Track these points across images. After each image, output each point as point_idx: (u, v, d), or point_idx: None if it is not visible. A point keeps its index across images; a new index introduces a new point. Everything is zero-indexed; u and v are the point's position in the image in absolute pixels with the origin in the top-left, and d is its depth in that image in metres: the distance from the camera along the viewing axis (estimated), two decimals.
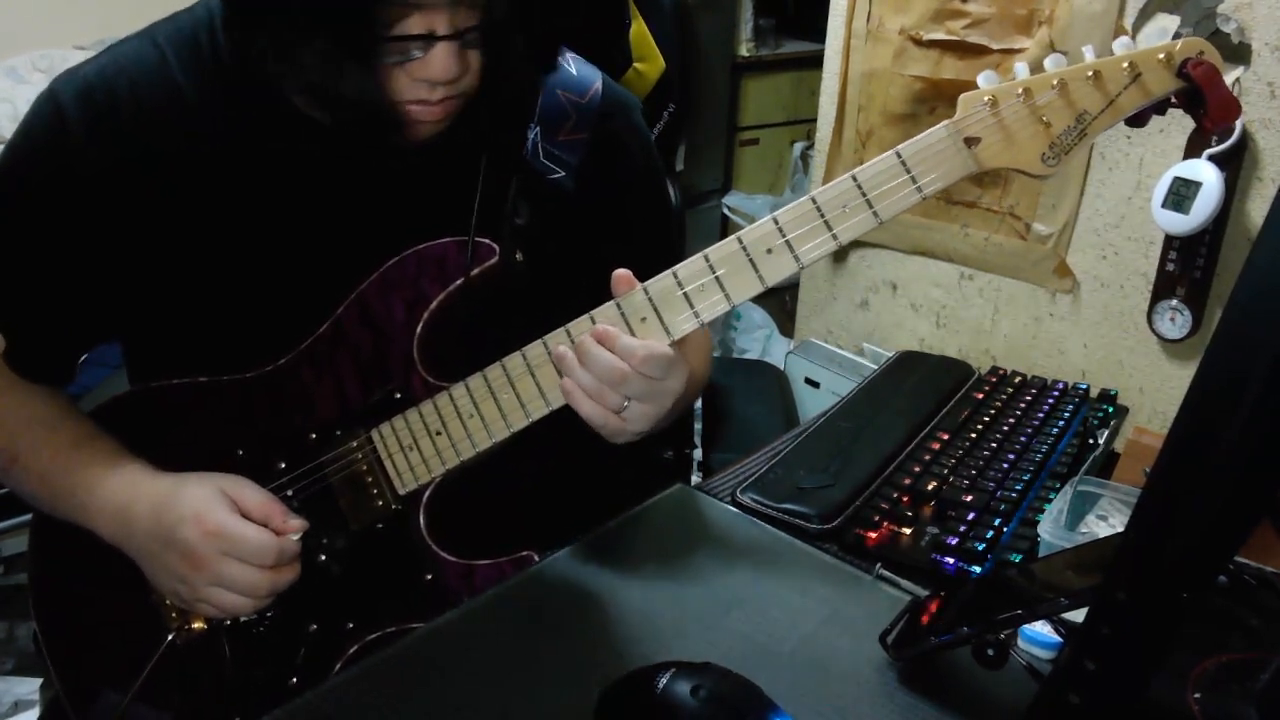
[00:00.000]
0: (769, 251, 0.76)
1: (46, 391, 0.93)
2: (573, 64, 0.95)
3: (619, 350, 0.76)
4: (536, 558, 0.88)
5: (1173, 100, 0.74)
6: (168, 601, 0.90)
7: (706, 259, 0.77)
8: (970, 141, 0.74)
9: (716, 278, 0.77)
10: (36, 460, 0.88)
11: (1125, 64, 0.72)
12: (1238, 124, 1.13)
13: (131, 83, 0.84)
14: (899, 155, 0.74)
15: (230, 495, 0.82)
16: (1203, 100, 0.72)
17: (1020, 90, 0.73)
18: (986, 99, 0.73)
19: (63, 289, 0.89)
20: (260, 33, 0.76)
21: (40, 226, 0.86)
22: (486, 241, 0.85)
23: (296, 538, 0.82)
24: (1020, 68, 0.74)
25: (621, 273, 0.78)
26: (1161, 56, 0.72)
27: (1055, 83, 0.72)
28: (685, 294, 0.77)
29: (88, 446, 0.88)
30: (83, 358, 0.97)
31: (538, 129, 0.91)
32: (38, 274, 0.88)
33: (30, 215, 0.86)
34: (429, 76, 0.75)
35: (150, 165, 0.84)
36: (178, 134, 0.85)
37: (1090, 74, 0.72)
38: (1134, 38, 0.74)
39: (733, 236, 0.77)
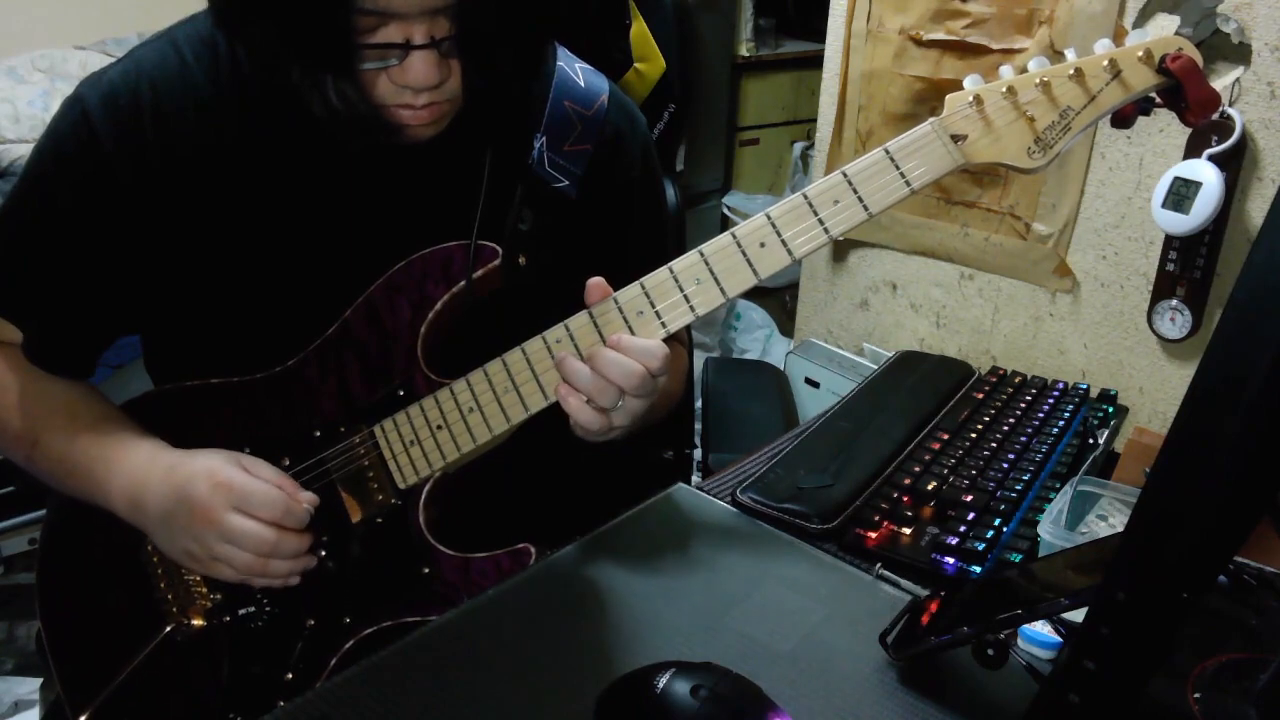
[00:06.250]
0: (762, 245, 0.78)
1: (67, 381, 0.94)
2: (581, 75, 0.96)
3: (636, 354, 0.78)
4: (533, 550, 0.88)
5: (1157, 99, 0.76)
6: (170, 595, 0.90)
7: (701, 254, 0.79)
8: (956, 138, 0.76)
9: (711, 271, 0.79)
10: (56, 443, 0.90)
11: (1105, 62, 0.74)
12: (1237, 124, 1.13)
13: (154, 87, 0.85)
14: (887, 151, 0.76)
15: (243, 462, 0.85)
16: (1183, 94, 0.73)
17: (1004, 88, 0.75)
18: (971, 98, 0.76)
19: (85, 287, 0.90)
20: (247, 43, 0.78)
21: (67, 229, 0.87)
22: (490, 245, 0.86)
23: (307, 508, 0.84)
24: (1005, 69, 0.76)
25: (595, 281, 0.80)
26: (1141, 54, 0.74)
27: (1038, 81, 0.75)
28: (680, 287, 0.79)
29: (105, 427, 0.90)
30: (101, 353, 0.98)
31: (544, 139, 0.92)
32: (62, 272, 0.89)
33: (58, 218, 0.87)
34: (408, 83, 0.76)
35: (172, 168, 0.85)
36: (198, 136, 0.85)
37: (1072, 72, 0.74)
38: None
39: (727, 232, 0.79)
